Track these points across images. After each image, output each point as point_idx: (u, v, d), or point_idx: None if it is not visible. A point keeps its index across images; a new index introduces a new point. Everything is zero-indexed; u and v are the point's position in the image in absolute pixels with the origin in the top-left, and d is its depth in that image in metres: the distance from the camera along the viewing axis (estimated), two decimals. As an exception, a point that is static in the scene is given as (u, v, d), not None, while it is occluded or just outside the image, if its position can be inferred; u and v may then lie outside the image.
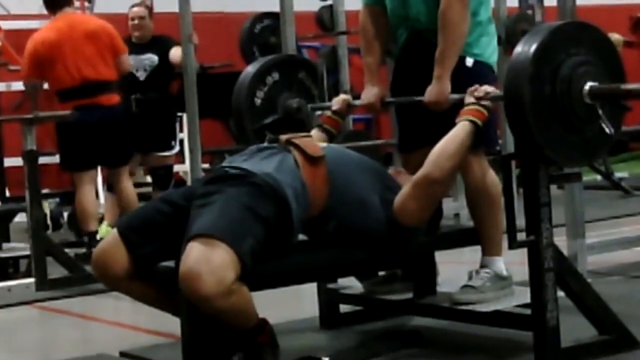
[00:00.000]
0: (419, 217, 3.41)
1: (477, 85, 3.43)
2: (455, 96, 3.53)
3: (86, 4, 8.41)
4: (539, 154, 3.17)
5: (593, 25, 3.30)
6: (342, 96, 4.02)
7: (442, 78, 3.56)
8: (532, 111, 3.09)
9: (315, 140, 3.65)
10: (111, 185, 6.74)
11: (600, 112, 3.14)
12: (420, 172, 3.37)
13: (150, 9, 6.81)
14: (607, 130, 3.16)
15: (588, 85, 3.14)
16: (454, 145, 3.35)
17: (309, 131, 3.85)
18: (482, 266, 3.63)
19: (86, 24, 6.15)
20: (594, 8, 10.61)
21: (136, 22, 6.73)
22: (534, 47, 3.11)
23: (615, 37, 10.49)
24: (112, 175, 6.42)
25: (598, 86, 3.14)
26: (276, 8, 5.20)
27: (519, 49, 3.16)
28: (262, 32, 7.22)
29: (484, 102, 3.39)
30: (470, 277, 3.61)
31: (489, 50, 3.71)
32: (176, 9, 5.52)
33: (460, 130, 3.37)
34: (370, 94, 3.84)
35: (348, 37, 7.97)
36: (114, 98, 6.08)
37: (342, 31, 7.78)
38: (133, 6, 6.89)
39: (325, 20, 8.08)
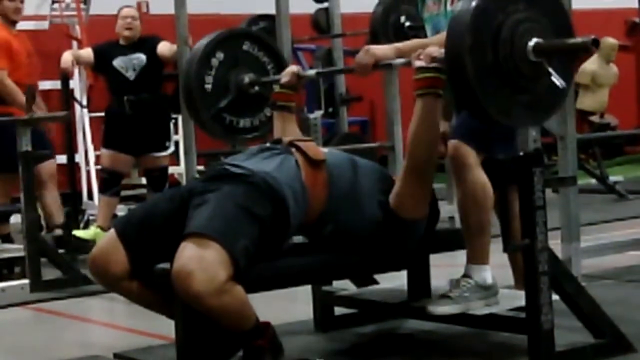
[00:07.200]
0: (417, 208, 3.38)
1: (420, 50, 3.27)
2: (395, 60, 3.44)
3: (82, 5, 8.38)
4: (491, 121, 3.07)
5: None
6: (291, 67, 3.86)
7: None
8: (476, 82, 2.91)
9: (277, 120, 3.63)
10: (102, 188, 6.75)
11: (548, 67, 2.97)
12: (404, 166, 3.34)
13: (140, 11, 6.82)
14: (558, 84, 2.99)
15: (532, 42, 2.95)
16: (426, 129, 3.25)
17: (270, 104, 3.82)
18: (465, 275, 3.46)
19: None
20: (589, 12, 10.63)
21: (128, 20, 6.74)
22: (469, 14, 2.90)
23: (610, 41, 10.52)
24: None
25: (542, 42, 2.95)
26: (272, 10, 5.19)
27: (454, 17, 2.97)
28: (258, 34, 7.21)
29: (433, 65, 3.20)
30: (450, 286, 3.46)
31: None
32: (172, 11, 5.51)
33: (425, 108, 3.23)
34: None
35: (344, 40, 7.98)
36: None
37: (338, 34, 7.78)
38: (125, 7, 6.90)
39: (321, 23, 8.08)
